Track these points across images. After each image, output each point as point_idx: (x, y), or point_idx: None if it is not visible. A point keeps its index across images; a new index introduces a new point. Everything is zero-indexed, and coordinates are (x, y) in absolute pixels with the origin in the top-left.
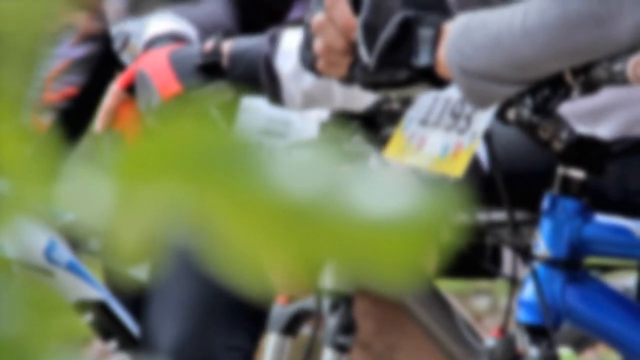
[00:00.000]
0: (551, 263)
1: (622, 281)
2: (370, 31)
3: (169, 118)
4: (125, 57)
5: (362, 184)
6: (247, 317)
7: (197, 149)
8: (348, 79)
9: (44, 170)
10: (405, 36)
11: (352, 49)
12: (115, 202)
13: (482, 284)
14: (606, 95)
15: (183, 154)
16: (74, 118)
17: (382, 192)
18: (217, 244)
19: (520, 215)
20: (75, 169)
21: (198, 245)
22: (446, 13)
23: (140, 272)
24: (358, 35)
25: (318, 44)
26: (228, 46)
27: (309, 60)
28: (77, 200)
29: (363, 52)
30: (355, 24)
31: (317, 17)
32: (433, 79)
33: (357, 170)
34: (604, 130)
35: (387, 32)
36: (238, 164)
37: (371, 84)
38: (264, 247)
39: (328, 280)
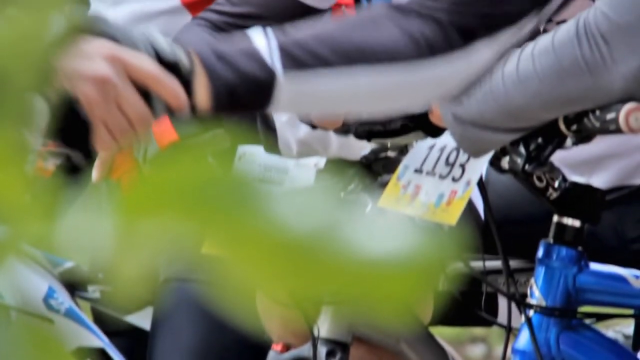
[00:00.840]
0: (546, 311)
1: (621, 329)
2: None
3: (168, 159)
4: None
5: (360, 226)
6: None
7: (197, 187)
8: (343, 130)
9: (46, 216)
10: None
11: None
12: (116, 241)
13: (478, 331)
14: (600, 145)
15: (183, 192)
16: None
17: (380, 234)
18: (218, 280)
19: (516, 263)
20: (77, 212)
21: (200, 283)
22: None
23: (135, 318)
24: None
25: None
26: None
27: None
28: (79, 241)
29: None
30: None
31: None
32: (427, 127)
33: (354, 214)
34: (599, 181)
35: None
36: (238, 202)
37: (365, 134)
38: (263, 283)
39: (324, 327)
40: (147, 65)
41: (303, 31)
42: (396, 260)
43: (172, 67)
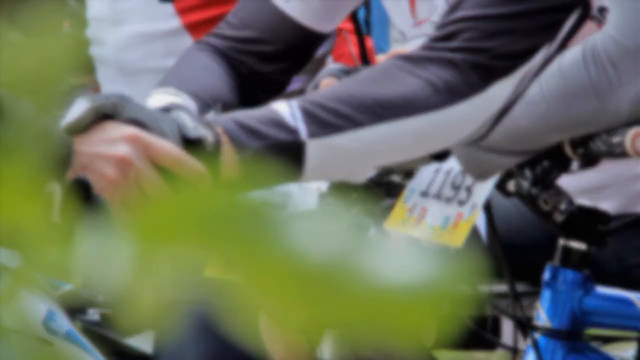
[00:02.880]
0: (552, 334)
1: (620, 353)
2: None
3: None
4: None
5: (369, 252)
6: None
7: (209, 214)
8: None
9: (62, 243)
10: None
11: None
12: (131, 266)
13: (479, 355)
14: (602, 174)
15: (196, 219)
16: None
17: (390, 260)
18: (225, 304)
19: (519, 286)
20: (92, 235)
21: (212, 307)
22: None
23: (135, 341)
24: None
25: None
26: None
27: None
28: (94, 266)
29: None
30: None
31: None
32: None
33: (363, 240)
34: (605, 207)
35: None
36: (249, 229)
37: None
38: (273, 308)
39: (327, 350)
40: (167, 146)
41: (321, 93)
42: (406, 287)
43: (196, 142)
